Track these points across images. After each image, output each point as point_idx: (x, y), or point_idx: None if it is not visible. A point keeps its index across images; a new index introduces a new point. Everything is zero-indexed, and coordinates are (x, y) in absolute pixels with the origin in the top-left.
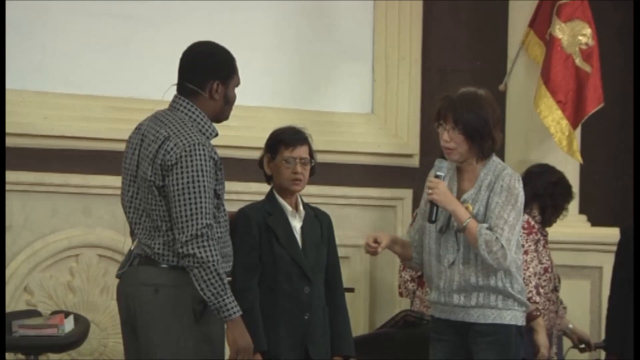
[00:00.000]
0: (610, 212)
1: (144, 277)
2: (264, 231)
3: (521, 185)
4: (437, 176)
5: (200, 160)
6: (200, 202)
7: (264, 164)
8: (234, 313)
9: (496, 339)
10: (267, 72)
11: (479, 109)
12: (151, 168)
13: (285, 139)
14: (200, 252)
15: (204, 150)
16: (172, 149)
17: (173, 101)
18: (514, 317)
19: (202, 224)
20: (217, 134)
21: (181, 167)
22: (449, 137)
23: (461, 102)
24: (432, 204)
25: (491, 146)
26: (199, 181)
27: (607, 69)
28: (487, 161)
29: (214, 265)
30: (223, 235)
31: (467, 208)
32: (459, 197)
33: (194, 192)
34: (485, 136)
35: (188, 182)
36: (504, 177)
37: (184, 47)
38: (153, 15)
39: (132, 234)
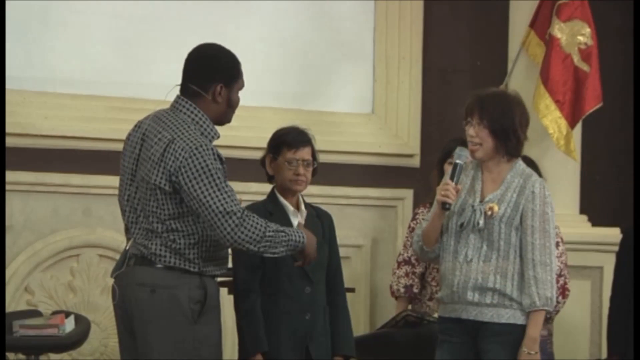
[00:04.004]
0: (610, 212)
1: (140, 277)
2: None
3: (550, 193)
4: (455, 164)
5: (209, 159)
6: (226, 196)
7: (266, 164)
8: (303, 239)
9: (509, 339)
10: (267, 72)
11: (506, 107)
12: (156, 172)
13: (288, 140)
14: (250, 239)
15: (209, 150)
16: (179, 153)
17: (175, 102)
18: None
19: (237, 214)
20: (218, 136)
21: (196, 171)
22: (475, 132)
23: (489, 99)
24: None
25: (516, 146)
26: (218, 178)
27: (607, 69)
28: (514, 164)
29: (267, 233)
30: None
31: (491, 208)
32: (483, 197)
33: (217, 189)
34: (510, 135)
35: (210, 182)
36: (534, 183)
37: (185, 48)
38: (154, 15)
39: (127, 232)
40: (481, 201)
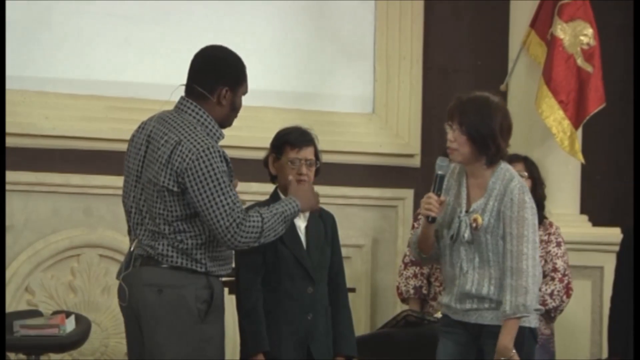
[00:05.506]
0: (611, 212)
1: (147, 277)
2: None
3: (530, 197)
4: (436, 176)
5: (216, 162)
6: (230, 201)
7: (269, 164)
8: (297, 205)
9: None
10: (268, 72)
11: (486, 114)
12: (164, 174)
13: (291, 140)
14: (250, 240)
15: (216, 152)
16: (187, 155)
17: (180, 103)
18: (527, 319)
19: (236, 220)
20: (223, 137)
21: (202, 175)
22: (453, 136)
23: (470, 104)
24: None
25: (495, 154)
26: (223, 182)
27: (608, 69)
28: (496, 168)
29: (264, 227)
30: None
31: (476, 219)
32: (469, 205)
33: (221, 194)
34: (488, 143)
35: (214, 186)
36: (512, 190)
37: (185, 48)
38: (154, 15)
39: (132, 233)
40: (467, 210)
